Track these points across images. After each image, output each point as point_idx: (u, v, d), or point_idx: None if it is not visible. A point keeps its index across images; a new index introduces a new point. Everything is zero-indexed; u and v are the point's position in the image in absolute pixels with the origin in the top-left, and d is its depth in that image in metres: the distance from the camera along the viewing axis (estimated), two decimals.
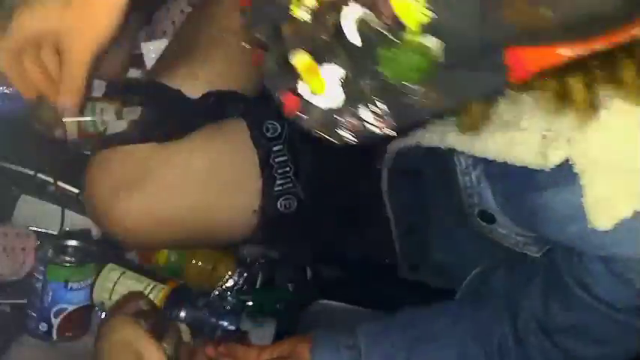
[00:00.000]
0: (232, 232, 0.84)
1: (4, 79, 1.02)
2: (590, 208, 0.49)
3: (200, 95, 0.81)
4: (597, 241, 0.53)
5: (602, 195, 0.49)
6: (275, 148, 0.81)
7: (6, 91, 1.01)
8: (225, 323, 0.88)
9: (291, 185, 0.81)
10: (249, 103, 0.84)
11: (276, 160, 0.81)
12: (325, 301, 0.81)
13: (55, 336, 0.85)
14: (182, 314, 0.87)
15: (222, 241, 0.92)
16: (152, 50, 1.00)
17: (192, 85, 0.81)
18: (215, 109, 0.82)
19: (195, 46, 0.85)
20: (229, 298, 0.93)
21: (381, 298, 0.85)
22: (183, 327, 0.78)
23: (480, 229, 0.68)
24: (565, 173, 0.50)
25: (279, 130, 0.82)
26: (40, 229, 0.93)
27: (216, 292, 0.94)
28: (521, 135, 0.54)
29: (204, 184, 0.79)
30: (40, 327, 0.85)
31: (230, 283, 0.94)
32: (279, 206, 0.82)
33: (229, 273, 0.96)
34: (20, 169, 0.93)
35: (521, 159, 0.54)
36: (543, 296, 0.65)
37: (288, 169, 0.81)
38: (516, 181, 0.58)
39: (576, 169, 0.49)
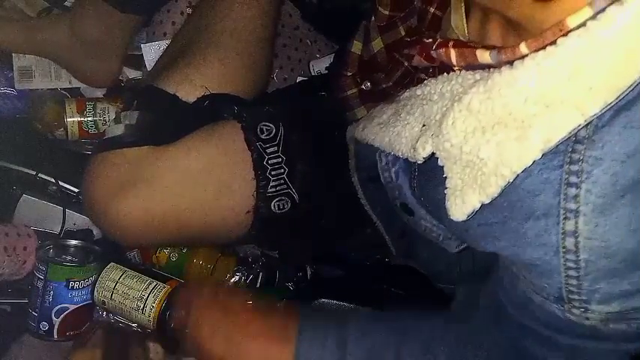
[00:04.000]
0: (227, 232, 0.84)
1: (4, 79, 1.04)
2: (448, 200, 0.52)
3: (196, 98, 0.82)
4: (473, 234, 0.55)
5: (456, 186, 0.52)
6: (269, 150, 0.82)
7: (7, 91, 1.02)
8: None
9: (285, 187, 0.82)
10: (244, 105, 0.85)
11: (270, 161, 0.81)
12: (325, 301, 0.81)
13: (55, 335, 0.85)
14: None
15: (217, 241, 0.92)
16: (152, 52, 1.01)
17: (188, 88, 0.82)
18: (210, 111, 0.83)
19: (192, 49, 0.86)
20: None
21: (381, 297, 0.85)
22: (153, 348, 0.78)
23: (407, 222, 0.70)
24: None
25: (274, 132, 0.82)
26: (41, 229, 0.93)
27: None
28: (403, 128, 0.59)
29: (199, 185, 0.80)
30: (41, 326, 0.84)
31: (231, 282, 0.95)
32: (272, 207, 0.82)
33: (230, 273, 0.96)
34: (21, 168, 0.94)
35: (402, 151, 0.58)
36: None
37: (282, 170, 0.81)
38: (426, 176, 0.61)
39: (440, 162, 0.53)
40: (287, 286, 0.96)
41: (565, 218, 0.47)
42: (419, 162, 0.56)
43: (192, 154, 0.81)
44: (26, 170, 0.94)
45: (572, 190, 0.46)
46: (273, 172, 0.81)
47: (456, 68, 0.57)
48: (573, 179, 0.46)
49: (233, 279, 0.95)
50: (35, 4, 1.04)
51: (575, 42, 0.44)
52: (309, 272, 0.96)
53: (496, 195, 0.49)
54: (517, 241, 0.51)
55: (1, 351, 0.85)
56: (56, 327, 0.84)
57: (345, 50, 0.87)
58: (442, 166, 0.54)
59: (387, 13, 0.78)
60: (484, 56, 0.51)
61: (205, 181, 0.80)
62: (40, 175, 0.94)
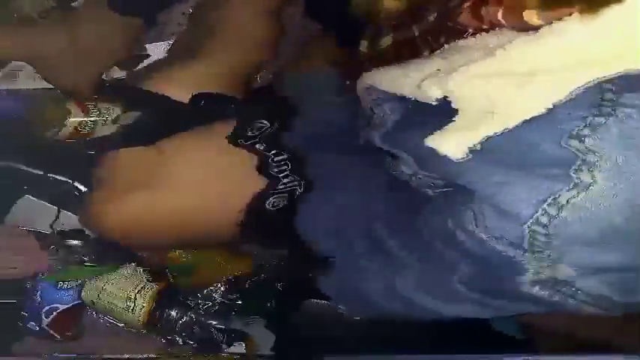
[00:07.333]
0: (225, 231, 0.83)
1: (3, 79, 1.04)
2: (442, 136, 0.53)
3: (190, 98, 0.83)
4: (455, 170, 0.54)
5: (456, 126, 0.53)
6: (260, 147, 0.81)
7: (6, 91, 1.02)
8: (214, 322, 0.88)
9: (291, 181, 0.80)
10: (239, 103, 0.85)
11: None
12: (316, 301, 0.80)
13: (46, 335, 0.85)
14: (172, 313, 0.86)
15: (216, 241, 0.91)
16: (153, 52, 1.01)
17: (184, 88, 0.83)
18: (206, 111, 0.83)
19: (189, 49, 0.86)
20: (219, 297, 0.92)
21: None
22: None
23: (388, 169, 0.70)
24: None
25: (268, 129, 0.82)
26: (32, 229, 0.92)
27: (204, 292, 0.93)
28: (430, 68, 0.59)
29: (195, 184, 0.80)
30: (30, 326, 0.84)
31: (222, 282, 0.93)
32: (267, 205, 0.81)
33: (243, 271, 0.95)
34: (20, 168, 0.94)
35: (409, 92, 0.59)
36: None
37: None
38: (414, 118, 0.62)
39: (453, 104, 0.54)
40: (275, 286, 0.94)
41: (578, 170, 0.47)
42: (431, 102, 0.57)
43: (188, 153, 0.81)
44: (24, 169, 0.94)
45: (594, 142, 0.46)
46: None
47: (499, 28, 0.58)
48: (586, 132, 0.46)
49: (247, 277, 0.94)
50: (38, 5, 1.04)
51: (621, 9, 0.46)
52: (301, 272, 0.94)
53: (495, 139, 0.50)
54: (505, 186, 0.50)
55: (2, 351, 0.84)
56: (46, 327, 0.84)
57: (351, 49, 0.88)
58: (433, 110, 0.55)
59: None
60: (531, 17, 0.52)
61: (201, 181, 0.80)
62: (36, 174, 0.94)
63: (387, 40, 0.81)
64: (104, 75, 1.04)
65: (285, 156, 0.81)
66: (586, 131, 0.46)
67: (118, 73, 1.05)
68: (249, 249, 0.99)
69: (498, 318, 0.81)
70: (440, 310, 0.61)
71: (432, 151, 0.54)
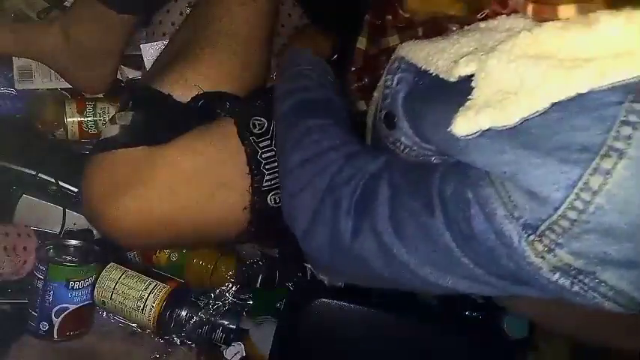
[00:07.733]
0: (226, 230, 0.84)
1: (4, 79, 1.03)
2: (459, 114, 0.51)
3: (189, 98, 0.83)
4: (467, 148, 0.52)
5: (475, 105, 0.50)
6: (262, 144, 0.82)
7: (6, 91, 1.02)
8: (226, 322, 0.89)
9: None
10: (236, 101, 0.85)
11: (264, 155, 0.82)
12: (325, 300, 0.81)
13: (56, 335, 0.85)
14: (183, 313, 0.88)
15: (217, 240, 0.92)
16: (151, 52, 1.01)
17: (184, 87, 0.83)
18: (205, 110, 0.83)
19: (188, 49, 0.86)
20: (230, 297, 0.94)
21: (382, 297, 0.84)
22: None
23: (385, 140, 0.67)
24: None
25: (266, 126, 0.83)
26: (41, 229, 0.93)
27: (217, 292, 0.94)
28: (451, 45, 0.58)
29: (195, 184, 0.80)
30: (41, 326, 0.85)
31: (231, 282, 0.95)
32: (269, 201, 0.82)
33: (230, 273, 0.96)
34: (21, 169, 0.94)
35: (437, 65, 0.58)
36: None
37: (276, 164, 0.82)
38: (430, 93, 0.60)
39: (473, 83, 0.52)
40: (287, 286, 0.96)
41: (605, 156, 0.44)
42: (451, 80, 0.55)
43: (187, 153, 0.81)
44: (26, 170, 0.94)
45: (627, 130, 0.44)
46: (267, 166, 0.82)
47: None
48: (633, 118, 0.44)
49: (233, 279, 0.95)
50: (35, 4, 1.04)
51: None
52: (309, 272, 0.96)
53: (517, 120, 0.47)
54: (526, 167, 0.47)
55: (1, 351, 0.85)
56: (56, 327, 0.85)
57: (349, 47, 0.88)
58: (452, 88, 0.53)
59: (407, 16, 0.79)
60: (567, 12, 0.50)
61: (201, 180, 0.81)
62: (40, 175, 0.94)
63: (393, 40, 0.81)
64: (119, 75, 1.05)
65: (274, 152, 0.82)
66: (621, 117, 0.44)
67: (133, 74, 1.06)
68: (231, 248, 1.00)
69: (510, 321, 0.82)
70: (437, 281, 0.57)
71: (439, 126, 0.53)
